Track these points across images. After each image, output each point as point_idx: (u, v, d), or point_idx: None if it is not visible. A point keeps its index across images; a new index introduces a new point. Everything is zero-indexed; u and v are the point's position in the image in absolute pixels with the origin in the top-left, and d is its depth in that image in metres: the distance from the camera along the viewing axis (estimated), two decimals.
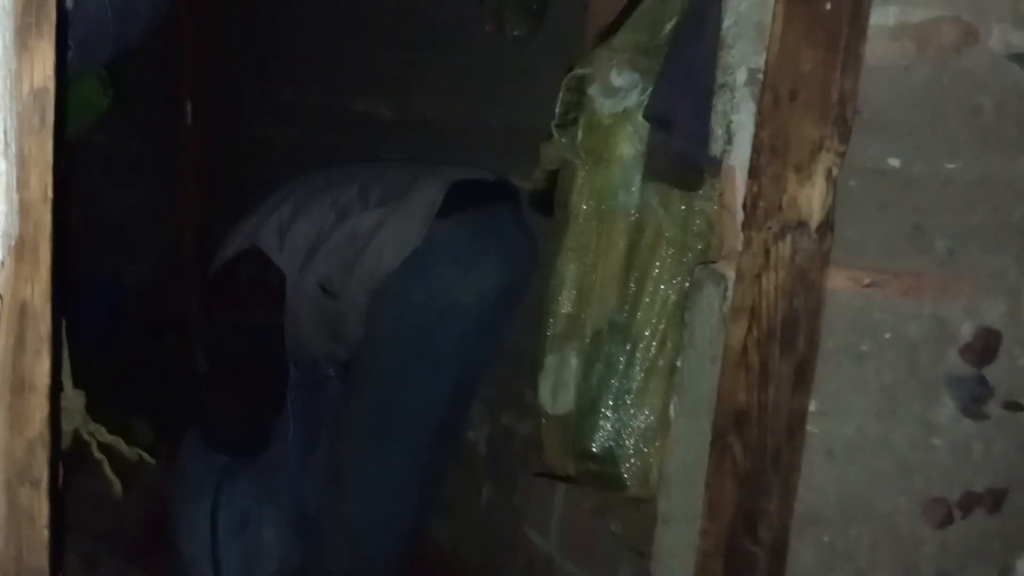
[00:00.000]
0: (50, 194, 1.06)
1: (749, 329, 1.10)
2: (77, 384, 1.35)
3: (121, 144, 3.59)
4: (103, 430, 1.33)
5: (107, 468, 1.36)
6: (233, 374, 2.15)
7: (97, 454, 1.33)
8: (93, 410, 1.38)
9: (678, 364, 1.24)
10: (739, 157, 1.19)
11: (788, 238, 1.07)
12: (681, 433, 1.24)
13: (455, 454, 2.30)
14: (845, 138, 1.06)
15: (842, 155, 1.06)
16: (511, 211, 2.11)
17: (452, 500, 2.40)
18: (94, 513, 2.35)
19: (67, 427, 1.33)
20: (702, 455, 1.20)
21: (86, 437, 1.31)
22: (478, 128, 2.35)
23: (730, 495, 1.13)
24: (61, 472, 1.29)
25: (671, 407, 1.26)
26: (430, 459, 2.14)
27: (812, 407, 1.13)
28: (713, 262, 1.22)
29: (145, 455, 1.41)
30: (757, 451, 1.10)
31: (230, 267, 2.15)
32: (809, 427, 1.14)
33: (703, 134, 1.37)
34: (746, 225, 1.12)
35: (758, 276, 1.09)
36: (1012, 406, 1.21)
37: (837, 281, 1.10)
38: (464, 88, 2.42)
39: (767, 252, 1.08)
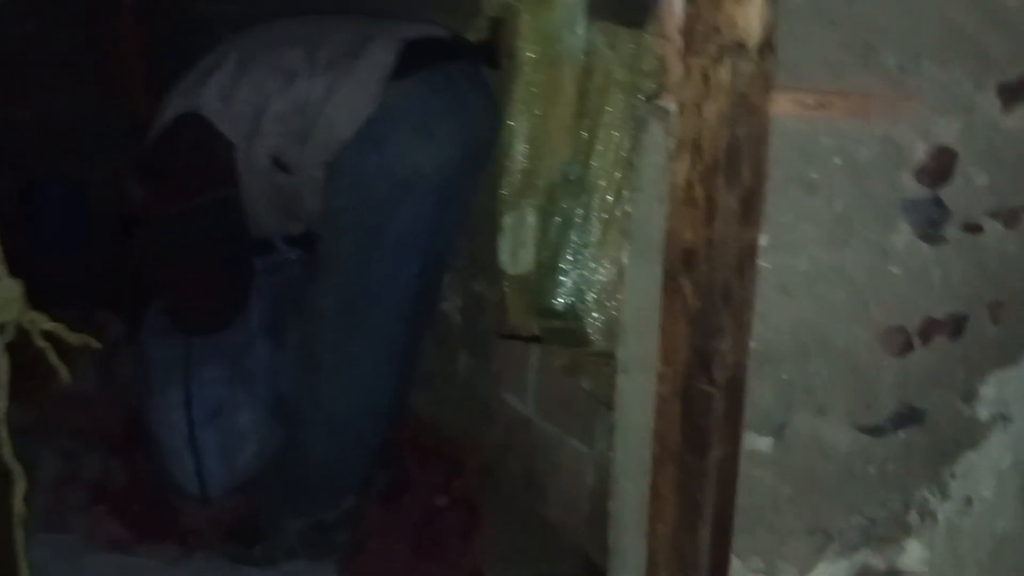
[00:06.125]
0: None
1: (692, 163, 1.05)
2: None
3: (57, 35, 3.44)
4: (43, 318, 1.28)
5: (52, 355, 1.32)
6: (190, 251, 2.04)
7: (40, 342, 1.29)
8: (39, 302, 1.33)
9: (627, 209, 1.20)
10: None
11: (727, 62, 1.00)
12: (634, 279, 1.20)
13: (430, 326, 2.26)
14: None
15: None
16: (468, 70, 1.98)
17: (430, 370, 2.39)
18: (71, 410, 2.36)
19: (7, 317, 1.29)
20: (656, 300, 1.16)
21: (26, 326, 1.26)
22: None
23: (683, 336, 1.10)
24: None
25: (623, 254, 1.22)
26: (404, 337, 2.06)
27: (763, 241, 1.09)
28: (657, 97, 1.16)
29: (91, 340, 1.36)
30: (707, 289, 1.06)
31: (169, 134, 2.00)
32: (761, 262, 1.10)
33: None
34: (685, 52, 1.05)
35: (698, 106, 1.03)
36: (971, 227, 1.17)
37: (781, 105, 1.04)
38: None
39: (706, 79, 1.02)
